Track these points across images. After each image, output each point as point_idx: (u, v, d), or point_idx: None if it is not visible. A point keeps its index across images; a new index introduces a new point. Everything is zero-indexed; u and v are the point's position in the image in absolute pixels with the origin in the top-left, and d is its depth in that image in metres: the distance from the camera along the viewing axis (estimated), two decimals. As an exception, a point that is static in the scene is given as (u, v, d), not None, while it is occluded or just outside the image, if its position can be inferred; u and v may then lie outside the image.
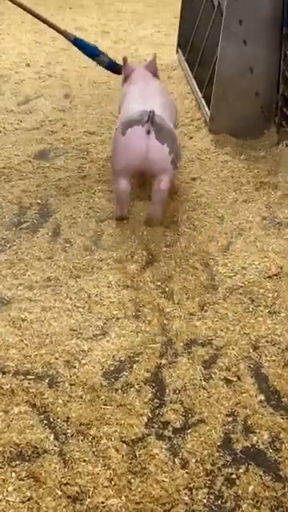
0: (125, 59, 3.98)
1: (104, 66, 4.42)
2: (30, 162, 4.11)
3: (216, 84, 4.30)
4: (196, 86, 4.89)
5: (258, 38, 4.24)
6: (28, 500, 2.08)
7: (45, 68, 5.55)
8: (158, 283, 3.08)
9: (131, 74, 3.92)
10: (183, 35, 5.54)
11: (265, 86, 4.32)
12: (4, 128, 4.50)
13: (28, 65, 5.61)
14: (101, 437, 2.29)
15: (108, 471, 2.18)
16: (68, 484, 2.13)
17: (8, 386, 2.47)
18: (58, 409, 2.40)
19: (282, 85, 4.27)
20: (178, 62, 5.58)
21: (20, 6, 4.39)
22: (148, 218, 3.50)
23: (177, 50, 5.70)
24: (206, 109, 4.51)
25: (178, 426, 2.35)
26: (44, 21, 4.44)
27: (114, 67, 4.38)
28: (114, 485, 2.13)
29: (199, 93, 4.75)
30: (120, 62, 4.13)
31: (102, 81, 5.39)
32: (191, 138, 4.39)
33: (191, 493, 2.12)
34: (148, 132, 3.32)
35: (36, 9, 7.09)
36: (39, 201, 3.72)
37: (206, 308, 2.93)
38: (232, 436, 2.32)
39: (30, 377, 2.53)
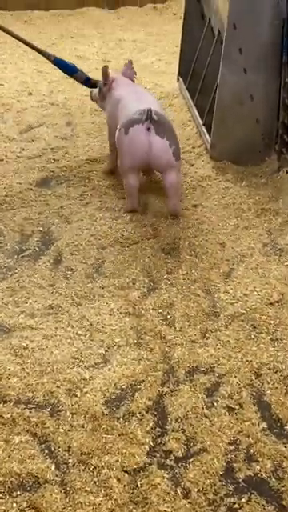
0: (105, 68, 4.22)
1: (81, 82, 4.65)
2: (31, 189, 4.13)
3: (217, 111, 4.33)
4: (197, 113, 4.92)
5: (258, 66, 4.28)
6: (29, 531, 2.06)
7: (47, 96, 5.60)
8: (160, 310, 3.08)
9: (112, 83, 4.18)
10: (184, 63, 5.59)
11: (265, 114, 4.35)
12: (6, 156, 4.53)
13: (30, 93, 5.66)
14: (102, 466, 2.28)
15: (109, 501, 2.16)
16: (69, 515, 2.11)
17: (9, 415, 2.46)
18: (60, 438, 2.38)
19: (282, 112, 4.30)
20: (178, 90, 5.62)
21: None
22: (171, 214, 3.81)
23: (178, 78, 5.75)
24: (207, 136, 4.54)
25: (180, 455, 2.34)
26: (22, 41, 4.68)
27: (89, 82, 4.64)
28: (116, 515, 2.12)
29: (200, 120, 4.79)
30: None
31: (104, 109, 5.44)
32: (192, 165, 4.42)
33: (194, 523, 2.10)
34: (148, 129, 3.63)
35: (38, 37, 7.22)
36: (41, 228, 3.73)
37: (207, 335, 2.92)
38: (234, 465, 2.31)
39: (31, 406, 2.52)
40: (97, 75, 6.25)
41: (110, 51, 6.87)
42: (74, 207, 3.94)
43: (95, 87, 4.45)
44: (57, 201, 4.01)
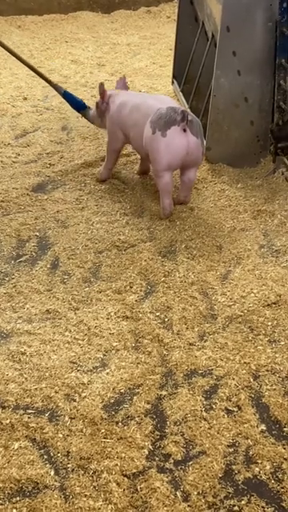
0: (102, 85, 4.21)
1: (88, 119, 4.58)
2: (27, 194, 4.13)
3: (211, 114, 4.35)
4: (192, 116, 4.93)
5: (251, 68, 4.29)
6: (29, 537, 2.06)
7: (41, 101, 5.61)
8: (157, 313, 3.08)
9: (110, 97, 4.22)
10: (178, 66, 5.61)
11: (260, 115, 4.36)
12: (2, 161, 4.54)
13: (25, 98, 5.67)
14: (102, 471, 2.28)
15: (109, 506, 2.16)
16: (69, 520, 2.11)
17: (8, 421, 2.46)
18: (59, 443, 2.38)
19: (276, 114, 4.32)
20: (173, 93, 5.63)
21: (19, 59, 4.64)
22: (180, 203, 3.95)
23: (172, 81, 5.76)
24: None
25: (180, 458, 2.34)
26: (37, 72, 4.64)
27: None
28: (116, 520, 2.12)
29: (195, 123, 4.79)
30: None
31: (99, 113, 5.44)
32: (188, 167, 4.42)
33: (194, 526, 2.11)
34: (184, 130, 3.71)
35: (32, 42, 7.23)
36: (37, 233, 3.73)
37: (205, 338, 2.93)
38: (234, 467, 2.31)
39: (29, 411, 2.52)
40: (91, 79, 6.29)
41: (105, 55, 6.88)
42: (71, 211, 3.94)
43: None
44: (53, 205, 4.01)
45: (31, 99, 5.64)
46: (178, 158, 3.75)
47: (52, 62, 6.69)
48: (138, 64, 6.59)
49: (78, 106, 4.57)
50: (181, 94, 5.40)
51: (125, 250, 3.57)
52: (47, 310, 3.10)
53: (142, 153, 4.08)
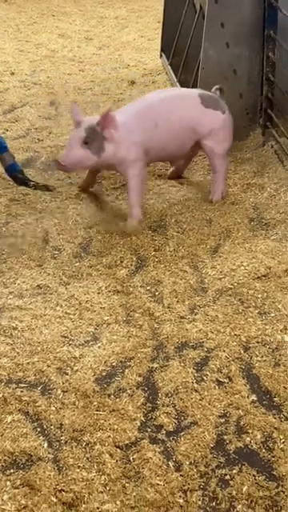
0: (109, 111, 3.47)
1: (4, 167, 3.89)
2: (17, 170, 4.11)
3: (200, 87, 4.32)
4: (180, 89, 4.90)
5: (240, 40, 4.27)
6: (23, 508, 2.08)
7: (29, 76, 5.56)
8: (148, 287, 3.09)
9: (108, 113, 3.44)
10: (166, 40, 5.57)
11: (248, 88, 4.35)
12: (-10, 137, 4.50)
13: (12, 73, 5.63)
14: (94, 442, 2.30)
15: (102, 476, 2.18)
16: (63, 491, 2.13)
17: (0, 395, 2.47)
18: (51, 416, 2.40)
19: (265, 86, 4.30)
20: (162, 67, 5.60)
21: None
22: (177, 176, 3.99)
23: (160, 55, 5.73)
24: (191, 112, 4.52)
25: (171, 429, 2.36)
26: None
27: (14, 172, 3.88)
28: (109, 490, 2.14)
29: (184, 96, 4.76)
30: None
31: (87, 87, 5.42)
32: (177, 141, 4.40)
33: (186, 495, 2.13)
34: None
35: (19, 16, 7.15)
36: (27, 209, 3.72)
37: (196, 311, 2.94)
38: (225, 437, 2.33)
39: (22, 385, 2.53)
40: (79, 53, 6.24)
41: (92, 29, 6.82)
42: (60, 187, 3.93)
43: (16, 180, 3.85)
44: (42, 180, 4.00)
45: (18, 74, 5.60)
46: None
47: (39, 36, 6.63)
48: (125, 37, 6.54)
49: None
50: (169, 67, 5.37)
51: (115, 225, 3.57)
52: (38, 286, 3.10)
53: (179, 154, 3.78)
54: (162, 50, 5.70)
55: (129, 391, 2.51)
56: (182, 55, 5.01)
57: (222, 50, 4.27)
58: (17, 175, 3.88)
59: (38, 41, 6.46)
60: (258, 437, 2.33)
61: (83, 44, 6.41)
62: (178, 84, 5.01)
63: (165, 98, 3.69)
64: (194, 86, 4.44)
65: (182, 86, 4.91)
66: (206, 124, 3.68)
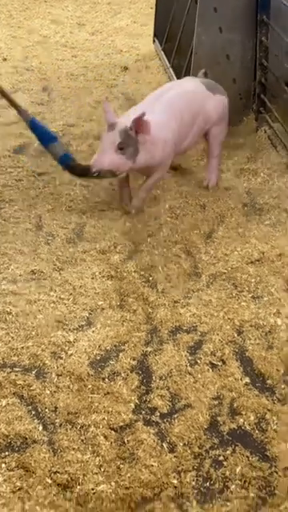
0: (142, 115, 3.30)
1: (57, 159, 3.70)
2: (9, 156, 4.11)
3: (193, 72, 4.31)
4: (174, 74, 4.90)
5: (233, 25, 4.26)
6: (18, 490, 2.10)
7: (21, 62, 5.54)
8: (142, 272, 3.10)
9: (142, 116, 3.30)
10: (159, 25, 5.55)
11: (242, 73, 4.35)
12: (-17, 123, 4.50)
13: (4, 59, 5.60)
14: (89, 425, 2.31)
15: (97, 458, 2.20)
16: (58, 472, 2.15)
17: (-5, 379, 2.49)
18: (46, 399, 2.41)
19: (258, 71, 4.30)
20: (155, 52, 5.58)
21: None
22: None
23: (153, 40, 5.71)
24: (184, 97, 4.51)
25: (165, 412, 2.38)
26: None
27: (66, 161, 3.68)
28: (104, 471, 2.16)
29: (177, 82, 4.76)
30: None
31: (80, 73, 5.40)
32: (170, 127, 4.40)
33: (180, 476, 2.15)
34: None
35: (11, 2, 7.10)
36: (20, 195, 3.72)
37: (189, 295, 2.95)
38: (218, 419, 2.35)
39: (16, 369, 2.54)
40: (71, 39, 6.21)
41: (85, 14, 6.79)
42: (53, 173, 3.93)
43: (75, 170, 3.64)
44: (35, 167, 3.99)
45: (11, 60, 5.58)
46: None
47: (31, 21, 6.60)
48: (118, 23, 6.52)
49: (49, 137, 3.71)
50: (162, 52, 5.35)
51: (109, 211, 3.57)
52: (32, 271, 3.11)
53: (192, 146, 3.74)
54: (154, 35, 5.68)
55: (123, 374, 2.52)
56: (174, 40, 4.99)
57: (215, 34, 4.26)
58: (74, 166, 3.62)
59: (31, 27, 6.43)
60: (252, 418, 2.35)
61: (76, 30, 6.38)
62: (171, 69, 5.00)
63: (181, 91, 3.60)
64: (187, 71, 4.43)
65: (175, 70, 4.90)
66: (217, 110, 3.71)
